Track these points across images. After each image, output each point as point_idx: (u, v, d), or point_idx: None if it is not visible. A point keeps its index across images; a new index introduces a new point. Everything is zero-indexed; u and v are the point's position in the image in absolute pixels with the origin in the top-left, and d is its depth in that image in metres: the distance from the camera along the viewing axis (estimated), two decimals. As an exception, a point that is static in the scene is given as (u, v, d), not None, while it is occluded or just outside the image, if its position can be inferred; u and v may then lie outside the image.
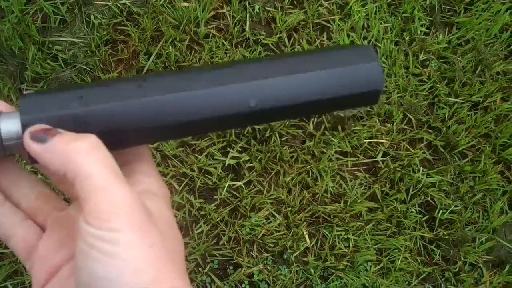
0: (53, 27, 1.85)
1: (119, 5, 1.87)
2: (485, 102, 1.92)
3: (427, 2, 2.00)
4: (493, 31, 1.98)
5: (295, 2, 1.98)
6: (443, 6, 2.03)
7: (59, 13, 1.86)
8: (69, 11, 1.86)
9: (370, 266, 1.76)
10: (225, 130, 1.85)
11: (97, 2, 1.88)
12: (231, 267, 1.74)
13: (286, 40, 1.92)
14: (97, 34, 1.84)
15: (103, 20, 1.85)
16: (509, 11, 2.02)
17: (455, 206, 1.81)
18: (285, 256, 1.75)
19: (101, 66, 1.83)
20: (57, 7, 1.86)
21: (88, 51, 1.83)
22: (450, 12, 2.04)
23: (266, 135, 1.79)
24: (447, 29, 2.01)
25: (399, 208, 1.78)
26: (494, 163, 1.89)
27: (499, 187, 1.86)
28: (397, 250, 1.77)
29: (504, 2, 2.02)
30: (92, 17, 1.86)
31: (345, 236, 1.76)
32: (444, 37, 1.97)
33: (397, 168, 1.81)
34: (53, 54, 1.82)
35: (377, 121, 1.84)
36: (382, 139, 1.83)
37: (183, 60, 1.84)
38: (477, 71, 1.95)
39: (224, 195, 1.76)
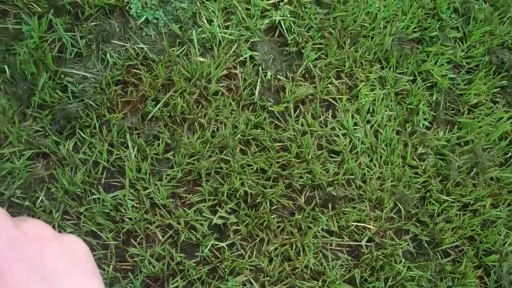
0: (68, 58, 2.22)
1: (137, 49, 2.24)
2: (475, 205, 2.32)
3: (434, 98, 2.42)
4: (493, 137, 2.40)
5: (307, 76, 2.37)
6: (448, 104, 2.45)
7: (77, 45, 2.24)
8: (86, 46, 2.24)
9: None
10: None
11: (116, 42, 2.26)
12: (201, 327, 2.03)
13: (292, 111, 2.30)
14: (110, 72, 2.20)
15: (118, 60, 2.22)
16: (510, 120, 2.42)
17: (431, 303, 2.14)
18: (255, 325, 2.05)
19: (108, 104, 2.18)
20: (76, 40, 2.23)
21: (98, 88, 2.19)
22: (454, 111, 2.46)
23: (257, 201, 2.12)
24: (448, 127, 2.43)
25: (375, 296, 2.11)
26: (475, 267, 2.27)
27: (476, 292, 2.20)
28: (367, 338, 2.09)
29: (507, 111, 2.45)
30: (108, 55, 2.24)
31: (318, 314, 2.07)
32: (444, 134, 2.38)
33: (380, 256, 2.16)
34: (63, 84, 2.19)
35: (368, 205, 2.21)
36: (370, 224, 2.20)
37: (189, 112, 2.20)
38: (471, 173, 2.35)
39: (205, 253, 2.10)
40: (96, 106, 2.28)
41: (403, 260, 2.32)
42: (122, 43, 2.37)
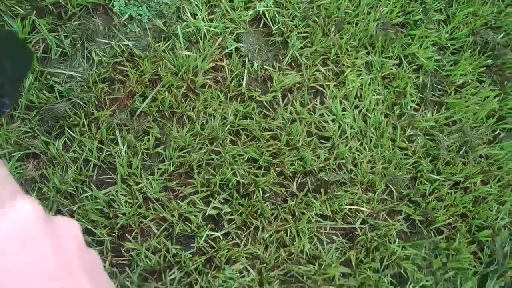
0: (53, 58, 2.23)
1: (122, 46, 2.26)
2: (465, 183, 2.34)
3: (420, 80, 2.45)
4: (480, 115, 2.42)
5: (293, 64, 2.39)
6: (434, 85, 2.47)
7: (61, 45, 2.25)
8: (71, 45, 2.25)
9: (338, 332, 2.09)
10: None
11: (100, 40, 2.27)
12: (200, 317, 2.05)
13: (280, 100, 2.31)
14: (96, 70, 2.21)
15: (104, 58, 2.23)
16: (497, 98, 2.45)
17: (427, 280, 2.20)
18: (254, 312, 2.07)
19: (96, 102, 2.20)
20: (60, 40, 2.24)
21: (85, 87, 2.20)
22: (441, 92, 2.49)
23: (250, 190, 2.14)
24: (436, 108, 2.45)
25: (371, 277, 2.15)
26: (469, 243, 2.29)
27: (471, 267, 2.26)
28: (365, 319, 2.12)
29: (493, 89, 2.47)
30: (93, 53, 2.25)
31: (316, 299, 2.09)
32: (432, 115, 2.41)
33: (374, 237, 2.18)
34: (50, 85, 2.19)
35: (360, 188, 2.24)
36: (363, 207, 2.22)
37: (177, 106, 2.21)
38: (461, 152, 2.38)
39: (201, 244, 2.11)
40: (83, 105, 2.30)
41: (397, 240, 2.34)
42: (106, 41, 2.39)
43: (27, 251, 0.51)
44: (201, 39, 2.44)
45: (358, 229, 2.34)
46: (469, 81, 2.64)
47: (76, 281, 0.53)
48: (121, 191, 2.23)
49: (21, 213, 0.53)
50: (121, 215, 2.20)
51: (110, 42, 2.38)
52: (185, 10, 2.46)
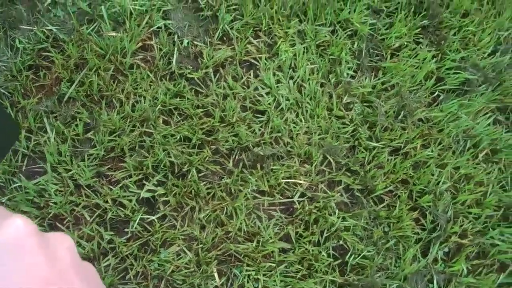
0: None
1: (46, 31, 2.19)
2: (405, 148, 2.29)
3: (356, 46, 2.38)
4: (418, 77, 2.36)
5: (225, 38, 2.32)
6: (371, 50, 2.41)
7: (-18, 35, 2.13)
8: (-8, 34, 2.14)
9: (280, 307, 2.05)
10: None
11: (24, 27, 2.19)
12: (138, 302, 2.01)
13: (212, 76, 2.25)
14: (21, 58, 2.15)
15: (28, 45, 2.17)
16: (434, 59, 2.38)
17: (368, 251, 2.14)
18: (194, 293, 2.03)
19: (22, 91, 2.13)
20: (-20, 30, 2.13)
21: (9, 76, 2.14)
22: (378, 56, 2.42)
23: (184, 170, 2.08)
24: (373, 73, 2.37)
25: (311, 251, 2.11)
26: (410, 210, 2.24)
27: (413, 234, 2.21)
28: (307, 292, 2.07)
29: (430, 50, 2.40)
30: (17, 41, 2.16)
31: (255, 277, 2.07)
32: (370, 81, 2.32)
33: (313, 210, 2.14)
34: None
35: (297, 161, 2.19)
36: (300, 179, 2.16)
37: (106, 89, 2.14)
38: (399, 117, 2.31)
39: (135, 228, 2.05)
40: (9, 94, 2.23)
41: (337, 211, 2.28)
42: (30, 27, 2.31)
43: (23, 262, 0.52)
44: (127, 19, 2.37)
45: (297, 202, 2.29)
46: (406, 43, 2.57)
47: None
48: (51, 180, 2.17)
49: (14, 228, 0.54)
50: (53, 204, 2.14)
51: (33, 28, 2.31)
52: (110, -10, 2.38)
